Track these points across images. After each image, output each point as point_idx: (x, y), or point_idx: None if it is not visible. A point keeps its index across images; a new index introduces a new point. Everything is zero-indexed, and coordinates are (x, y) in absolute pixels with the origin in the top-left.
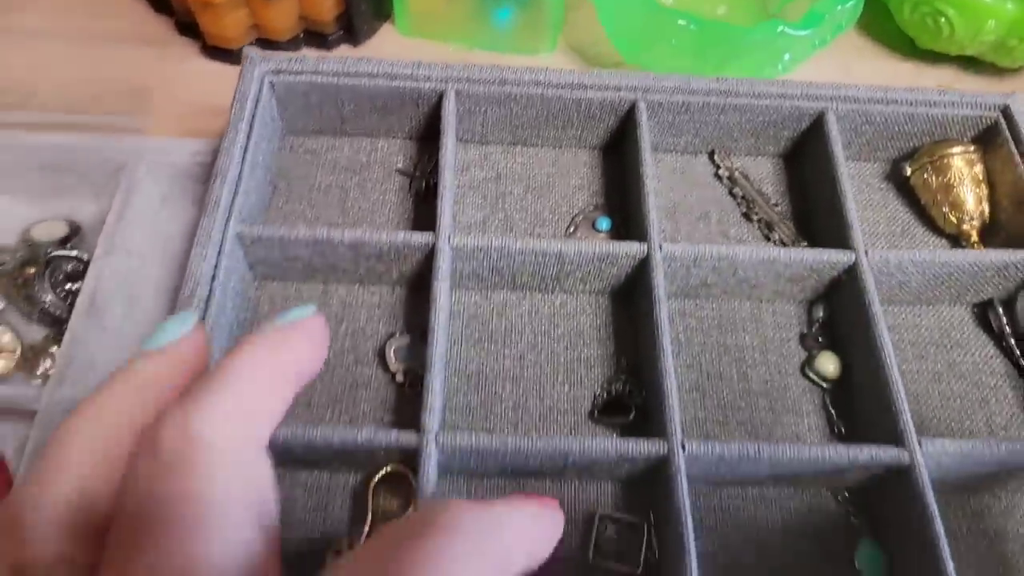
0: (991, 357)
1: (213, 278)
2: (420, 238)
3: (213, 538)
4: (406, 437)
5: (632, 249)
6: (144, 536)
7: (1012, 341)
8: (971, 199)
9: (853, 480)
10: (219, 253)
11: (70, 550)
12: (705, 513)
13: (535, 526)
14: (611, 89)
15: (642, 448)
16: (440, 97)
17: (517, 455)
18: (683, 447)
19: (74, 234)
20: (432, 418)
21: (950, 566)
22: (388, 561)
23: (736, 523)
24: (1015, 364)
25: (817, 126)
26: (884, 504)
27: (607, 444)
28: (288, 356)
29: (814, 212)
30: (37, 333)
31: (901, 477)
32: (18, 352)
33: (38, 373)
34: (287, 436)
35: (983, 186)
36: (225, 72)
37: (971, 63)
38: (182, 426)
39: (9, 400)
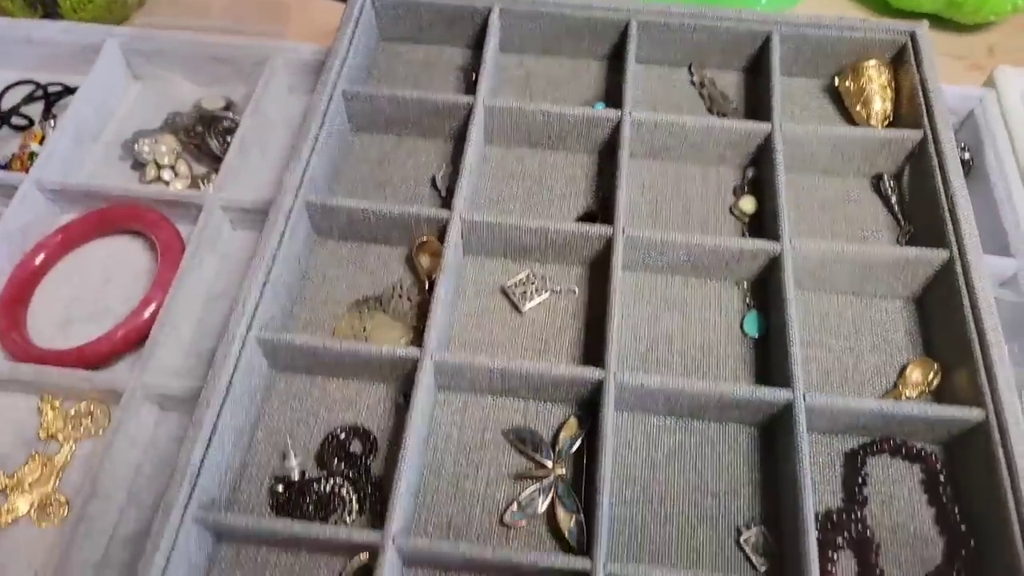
0: (878, 213)
1: (323, 121)
2: (464, 99)
3: None
4: (441, 213)
5: (610, 115)
6: None
7: (894, 199)
8: (878, 100)
9: (749, 271)
10: (329, 100)
11: None
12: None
13: None
14: (611, 9)
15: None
16: (488, 12)
17: (520, 231)
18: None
19: (229, 106)
20: (460, 199)
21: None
22: None
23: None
24: (894, 216)
25: (767, 45)
26: (766, 290)
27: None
28: None
29: (758, 107)
30: (200, 169)
31: (775, 265)
32: (189, 178)
33: (200, 191)
34: (368, 208)
35: (888, 90)
36: (340, 8)
37: (937, 21)
38: None
39: (186, 197)
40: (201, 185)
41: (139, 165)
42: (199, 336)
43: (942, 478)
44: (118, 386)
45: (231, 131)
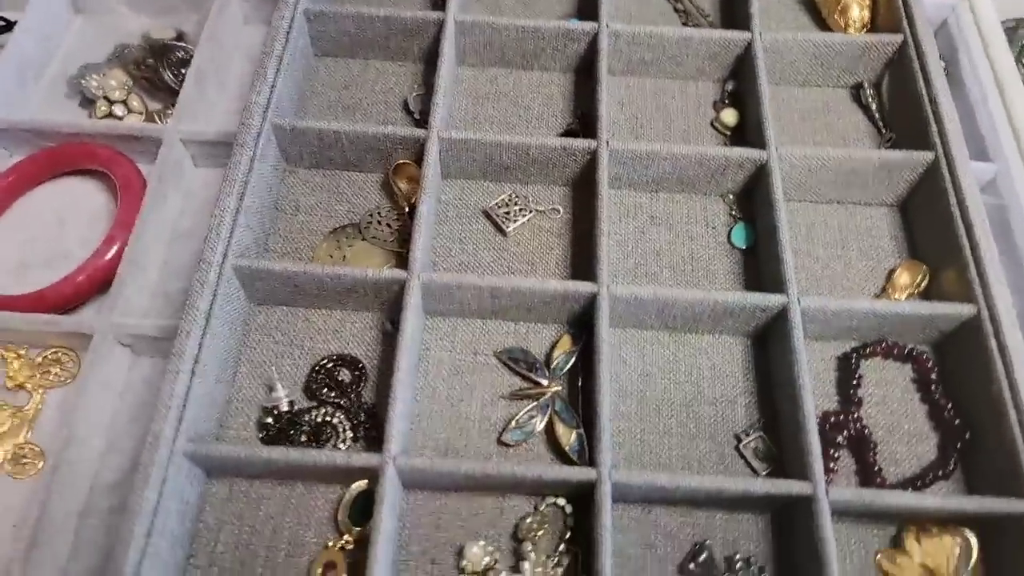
0: (858, 122)
1: (286, 41)
2: (433, 15)
3: None
4: (417, 132)
5: (587, 27)
6: None
7: (874, 107)
8: (856, 7)
9: (735, 182)
10: (292, 20)
11: None
12: None
13: None
14: None
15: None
16: None
17: (501, 149)
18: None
19: (181, 37)
20: (437, 118)
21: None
22: None
23: None
24: (875, 124)
25: None
26: (751, 202)
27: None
28: None
29: (734, 20)
30: (155, 105)
31: (762, 172)
32: (144, 114)
33: (158, 125)
34: (340, 129)
35: None
36: None
37: None
38: None
39: (144, 131)
40: (158, 120)
41: (88, 102)
42: (167, 276)
43: (934, 376)
44: (86, 329)
45: (185, 63)
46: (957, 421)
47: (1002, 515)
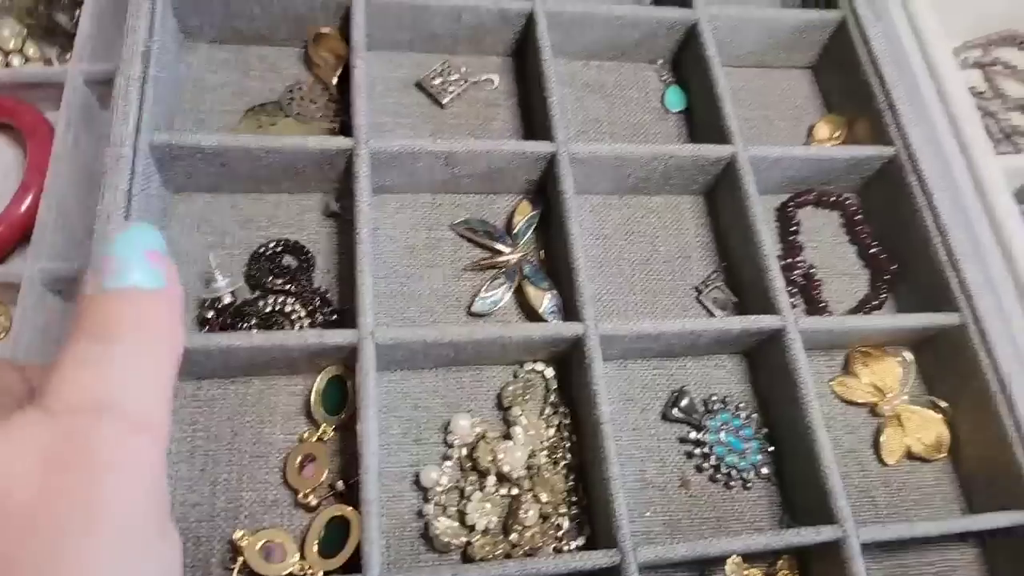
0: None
1: None
2: None
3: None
4: None
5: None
6: None
7: None
8: None
9: (663, 48)
10: None
11: None
12: None
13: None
14: None
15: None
16: None
17: (430, 13)
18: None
19: None
20: None
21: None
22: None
23: None
24: None
25: None
26: (681, 67)
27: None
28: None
29: None
30: (53, 53)
31: (692, 34)
32: (43, 62)
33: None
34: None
35: None
36: None
37: None
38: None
39: (42, 76)
40: (56, 64)
41: None
42: (91, 222)
43: (859, 218)
44: (12, 278)
45: (79, 3)
46: (884, 256)
47: (937, 329)
